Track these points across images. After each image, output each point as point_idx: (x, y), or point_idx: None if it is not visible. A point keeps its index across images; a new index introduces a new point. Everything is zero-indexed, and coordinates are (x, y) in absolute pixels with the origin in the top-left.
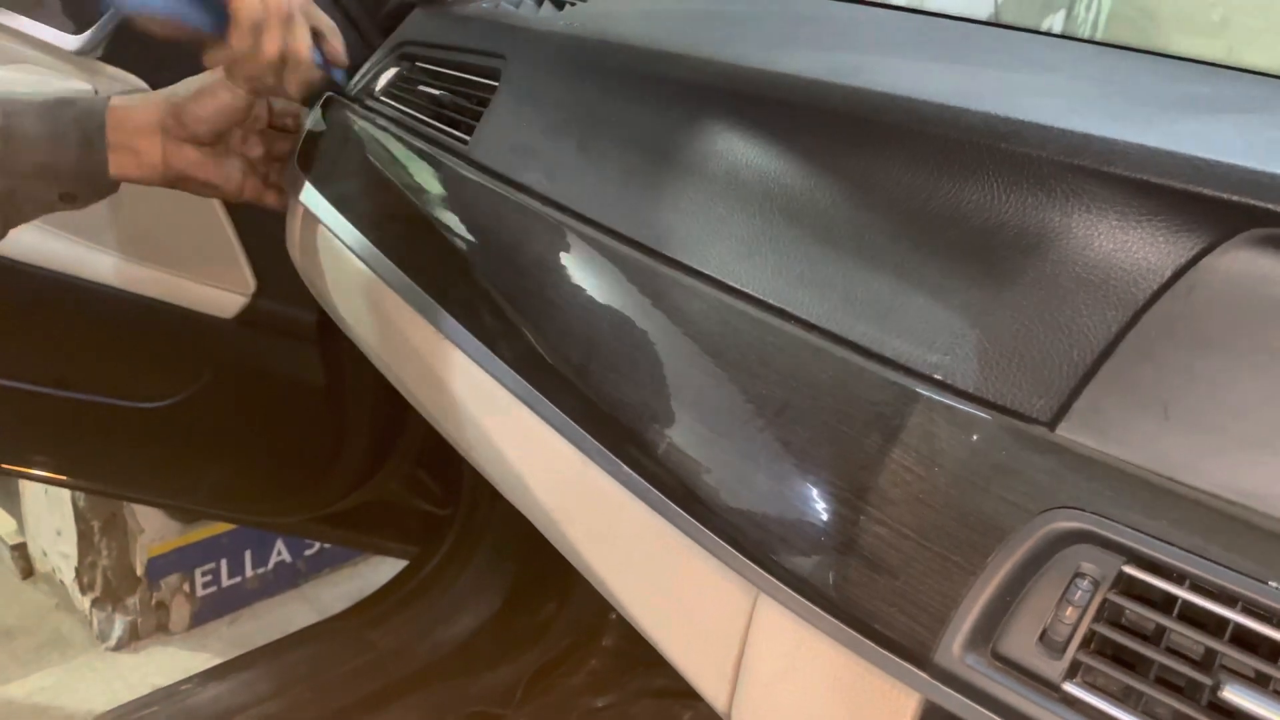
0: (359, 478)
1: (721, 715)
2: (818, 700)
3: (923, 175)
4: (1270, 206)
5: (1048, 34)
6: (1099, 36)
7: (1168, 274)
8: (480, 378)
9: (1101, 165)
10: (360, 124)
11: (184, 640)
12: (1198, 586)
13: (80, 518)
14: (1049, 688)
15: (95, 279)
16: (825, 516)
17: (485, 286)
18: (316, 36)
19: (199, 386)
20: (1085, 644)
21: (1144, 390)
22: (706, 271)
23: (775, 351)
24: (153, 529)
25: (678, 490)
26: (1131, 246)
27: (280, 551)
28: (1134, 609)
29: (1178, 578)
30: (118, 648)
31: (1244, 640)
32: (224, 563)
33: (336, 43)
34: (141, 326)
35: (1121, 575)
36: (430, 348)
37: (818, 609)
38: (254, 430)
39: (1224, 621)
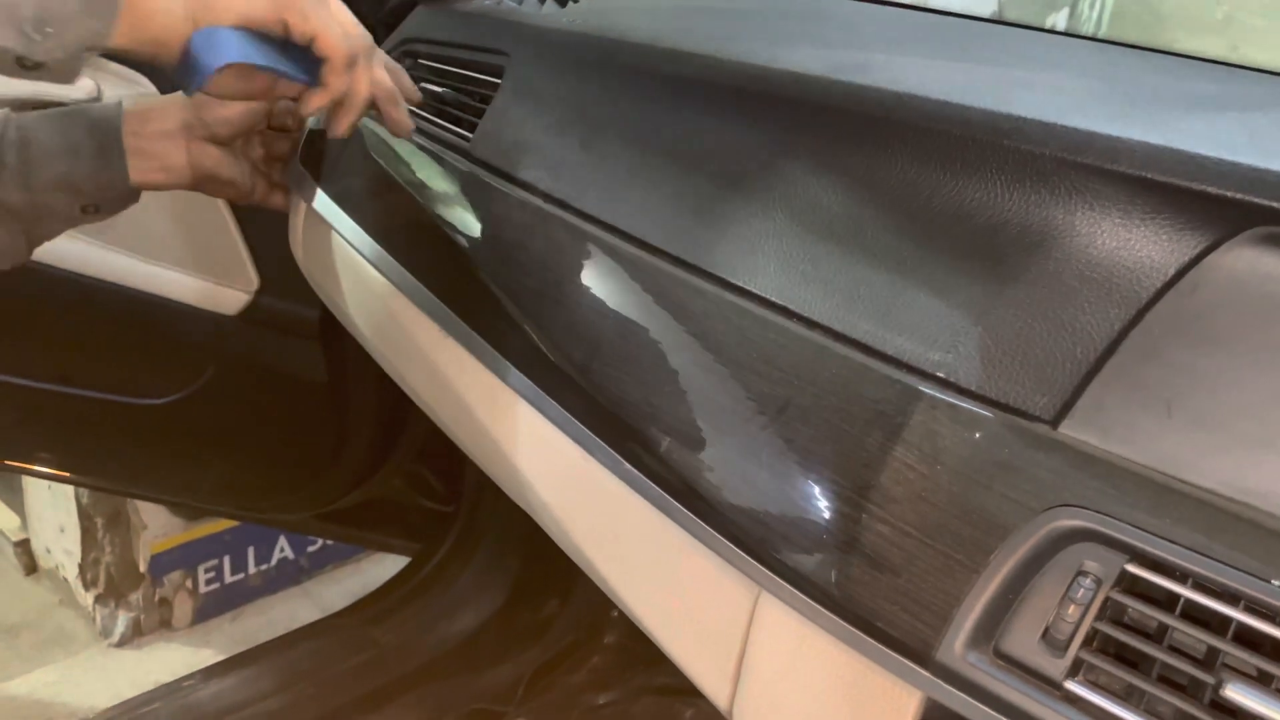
0: (361, 475)
1: (723, 713)
2: (819, 698)
3: (925, 173)
4: (1274, 204)
5: (1051, 31)
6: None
7: (1171, 272)
8: (482, 375)
9: (1105, 163)
10: (365, 123)
11: (187, 637)
12: (1200, 585)
13: (83, 514)
14: (1051, 686)
15: (98, 275)
16: (827, 514)
17: (488, 284)
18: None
19: (202, 383)
20: (1088, 642)
21: (1147, 388)
22: (709, 269)
23: (777, 349)
24: (156, 525)
25: (680, 488)
26: (1135, 244)
27: (283, 548)
28: (1137, 607)
29: (1180, 576)
30: (121, 644)
31: (1246, 639)
32: (227, 559)
33: (405, 80)
34: (144, 323)
35: (1124, 573)
36: (432, 345)
37: (820, 607)
38: (257, 427)
39: (1227, 620)
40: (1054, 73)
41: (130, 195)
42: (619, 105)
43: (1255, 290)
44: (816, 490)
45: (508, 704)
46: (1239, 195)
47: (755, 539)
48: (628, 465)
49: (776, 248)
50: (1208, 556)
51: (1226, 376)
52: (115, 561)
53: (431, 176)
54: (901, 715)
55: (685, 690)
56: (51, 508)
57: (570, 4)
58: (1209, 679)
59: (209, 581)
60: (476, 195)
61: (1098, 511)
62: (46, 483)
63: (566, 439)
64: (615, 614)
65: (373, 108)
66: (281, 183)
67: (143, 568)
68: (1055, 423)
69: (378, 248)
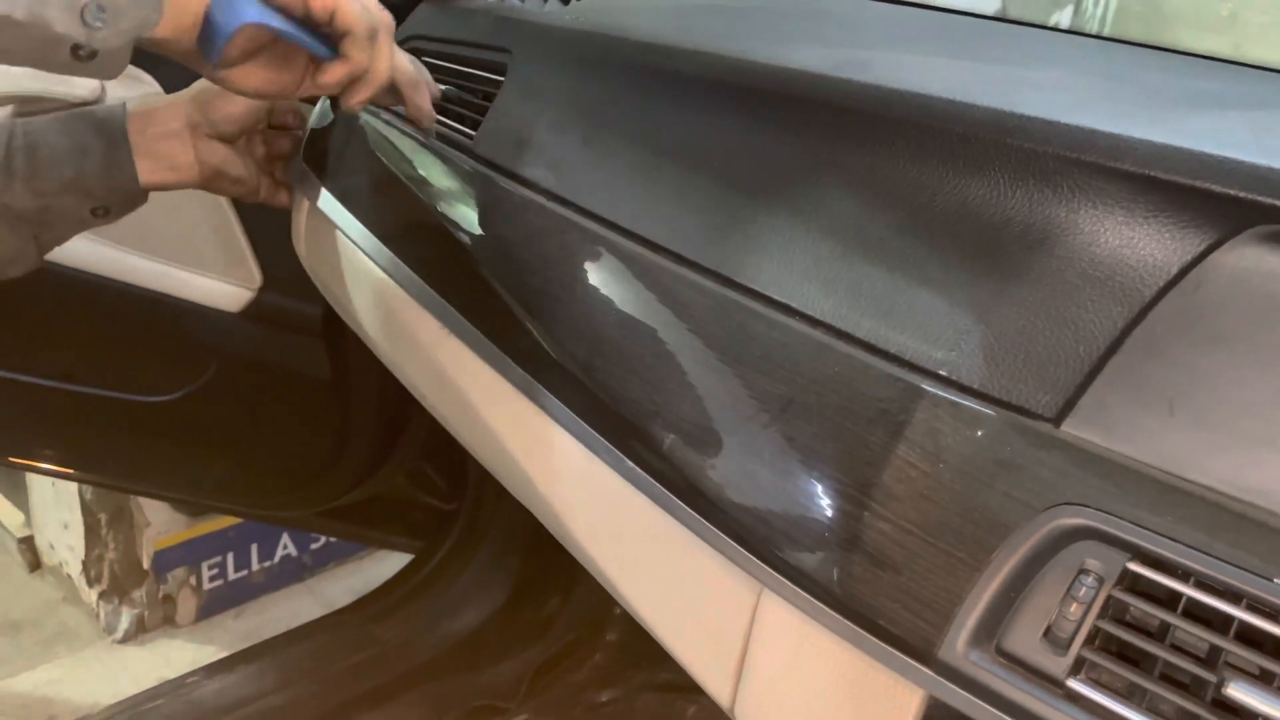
0: (364, 472)
1: (725, 710)
2: (821, 696)
3: (928, 170)
4: (1277, 203)
5: (1055, 29)
6: (1106, 31)
7: (1174, 270)
8: (485, 373)
9: (1108, 161)
10: (366, 119)
11: (190, 633)
12: (1203, 583)
13: (87, 511)
14: (1053, 684)
15: (101, 273)
16: (829, 512)
17: (490, 282)
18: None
19: (205, 380)
20: (1090, 640)
21: (1150, 387)
22: (711, 267)
23: (780, 347)
24: (159, 522)
25: (682, 486)
26: (1138, 242)
27: (286, 545)
28: (1139, 606)
29: (1183, 574)
30: (124, 640)
31: (1249, 637)
32: (230, 556)
33: (427, 74)
34: (147, 320)
35: (1126, 572)
36: (435, 343)
37: (822, 605)
38: (260, 424)
39: (1229, 618)
40: (1058, 70)
41: (139, 196)
42: (621, 103)
43: (1258, 289)
44: (818, 488)
45: (510, 701)
46: (1242, 194)
47: (757, 537)
48: (629, 463)
49: (778, 245)
50: (1210, 555)
51: (1229, 375)
52: (119, 558)
53: (434, 174)
54: (903, 713)
55: (687, 688)
56: (55, 504)
57: (573, 1)
58: (1211, 677)
59: (212, 578)
60: (479, 193)
61: (1100, 510)
62: (50, 479)
63: (569, 437)
64: (617, 611)
65: (392, 97)
66: (285, 180)
67: (146, 564)
68: (1057, 421)
69: (380, 245)
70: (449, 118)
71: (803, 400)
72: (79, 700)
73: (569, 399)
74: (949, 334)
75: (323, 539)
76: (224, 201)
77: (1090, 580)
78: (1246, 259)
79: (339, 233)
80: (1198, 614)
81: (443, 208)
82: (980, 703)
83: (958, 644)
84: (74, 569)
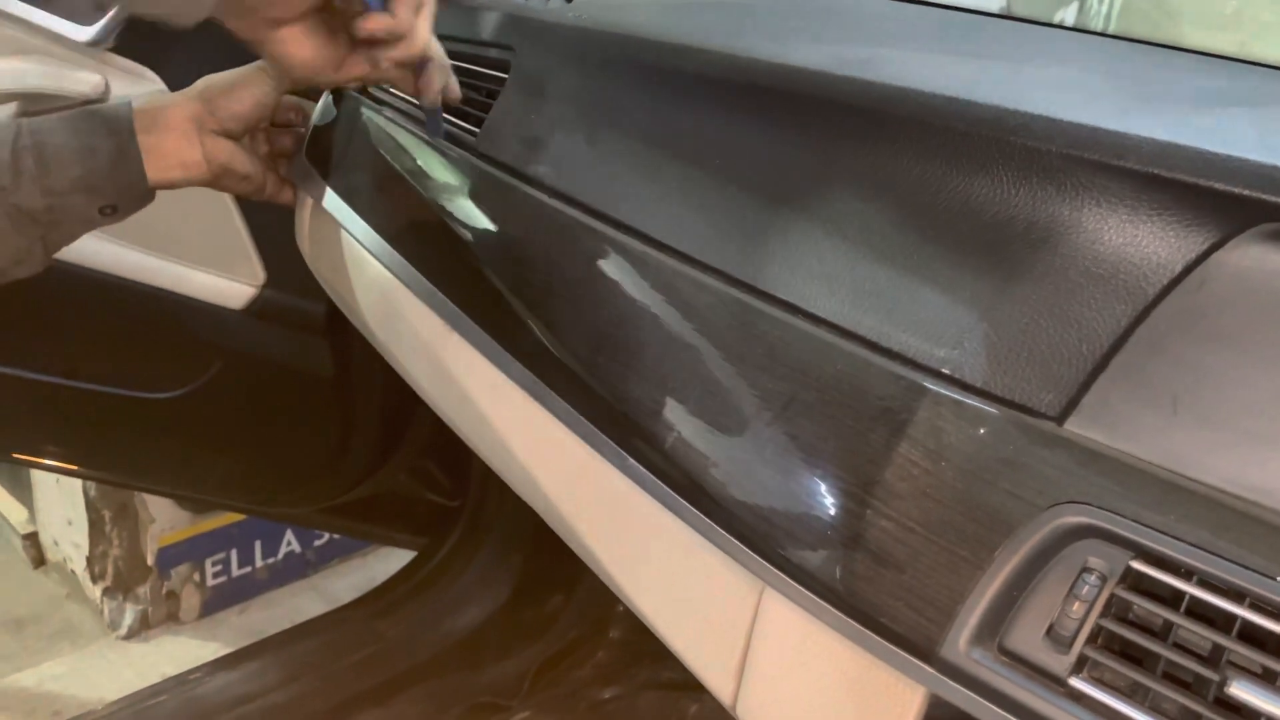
0: (368, 469)
1: (727, 708)
2: (823, 694)
3: (931, 168)
4: None
5: (1060, 27)
6: (1111, 29)
7: (1178, 268)
8: (488, 371)
9: (1112, 159)
10: (369, 116)
11: (194, 629)
12: (1206, 582)
13: (91, 507)
14: (1055, 682)
15: (105, 270)
16: (831, 511)
17: (494, 280)
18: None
19: (208, 377)
20: (1092, 639)
21: (1153, 385)
22: (714, 265)
23: (782, 345)
24: (163, 519)
25: (684, 484)
26: (1141, 241)
27: (290, 542)
28: (1141, 604)
29: (1185, 573)
30: (128, 637)
31: (1252, 636)
32: (234, 553)
33: (454, 82)
34: (151, 317)
35: (1129, 570)
36: (438, 340)
37: (824, 603)
38: (263, 421)
39: (1232, 617)
40: (1062, 68)
41: (148, 194)
42: (625, 100)
43: (1262, 287)
44: (821, 486)
45: (513, 698)
46: (1247, 191)
47: (759, 535)
48: (632, 461)
49: (781, 243)
50: (1213, 554)
51: (1232, 373)
52: (123, 555)
53: (438, 172)
54: (905, 711)
55: (690, 685)
56: (59, 501)
57: None
58: (1214, 676)
59: (216, 575)
60: (482, 191)
61: (1103, 508)
62: (54, 476)
63: (571, 435)
64: (620, 609)
65: (412, 77)
66: (289, 178)
67: (150, 561)
68: (1061, 419)
69: (383, 243)
70: (453, 115)
71: (805, 398)
72: (83, 696)
73: (572, 396)
74: (952, 332)
75: (326, 536)
76: (227, 198)
77: (1093, 579)
78: (1250, 257)
79: (342, 230)
80: (1201, 613)
81: (446, 205)
82: (982, 701)
83: (960, 642)
84: (78, 565)
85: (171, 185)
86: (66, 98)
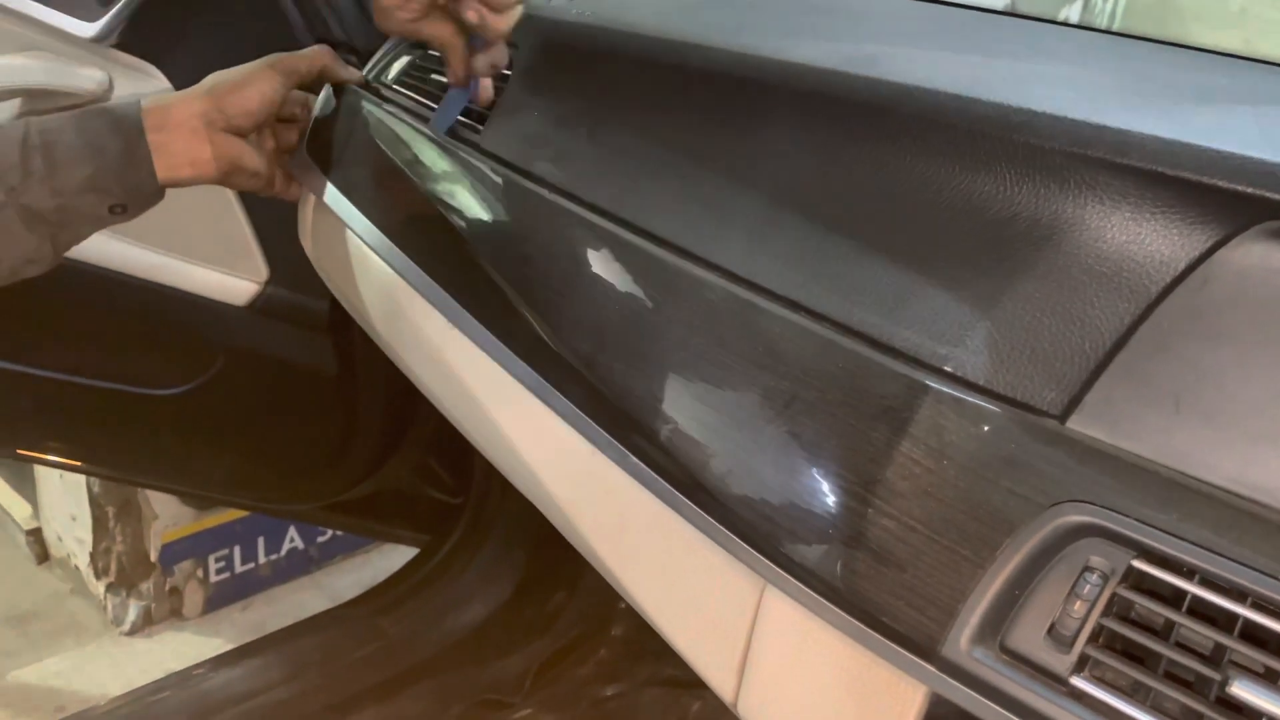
0: (371, 466)
1: (729, 706)
2: (824, 692)
3: (935, 166)
4: None
5: (1064, 24)
6: (1116, 27)
7: (1181, 266)
8: (490, 368)
9: (1115, 156)
10: (372, 112)
11: (197, 626)
12: (1207, 581)
13: (95, 503)
14: (1057, 681)
15: (108, 266)
16: (833, 509)
17: (496, 276)
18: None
19: (211, 374)
20: (1094, 638)
21: (1156, 383)
22: (716, 262)
23: (784, 343)
24: (167, 515)
25: (685, 481)
26: (1145, 238)
27: (293, 538)
28: (1143, 603)
29: (1187, 572)
30: (132, 633)
31: (1253, 635)
32: (237, 549)
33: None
34: (154, 313)
35: (1131, 569)
36: (441, 337)
37: (825, 601)
38: (266, 418)
39: (1233, 617)
40: (1066, 66)
41: (157, 193)
42: (627, 97)
43: (1265, 285)
44: (822, 484)
45: (515, 695)
46: (1250, 189)
47: (761, 533)
48: (633, 458)
49: (783, 241)
50: (1215, 553)
51: (1235, 372)
52: (126, 551)
53: (440, 168)
54: (906, 710)
55: (691, 683)
56: (63, 497)
57: None
58: (1215, 675)
59: (219, 571)
60: (485, 187)
61: (1105, 507)
62: (58, 472)
63: (573, 432)
64: (622, 606)
65: (468, 52)
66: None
67: (154, 557)
68: (1063, 418)
69: (386, 239)
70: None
71: (807, 396)
72: (86, 692)
73: (573, 393)
74: (954, 330)
75: (329, 532)
76: (231, 195)
77: (1095, 578)
78: (1254, 255)
79: (345, 226)
80: (1202, 612)
81: (449, 202)
82: (983, 700)
83: (961, 641)
84: (82, 561)
85: (181, 183)
86: (70, 94)
